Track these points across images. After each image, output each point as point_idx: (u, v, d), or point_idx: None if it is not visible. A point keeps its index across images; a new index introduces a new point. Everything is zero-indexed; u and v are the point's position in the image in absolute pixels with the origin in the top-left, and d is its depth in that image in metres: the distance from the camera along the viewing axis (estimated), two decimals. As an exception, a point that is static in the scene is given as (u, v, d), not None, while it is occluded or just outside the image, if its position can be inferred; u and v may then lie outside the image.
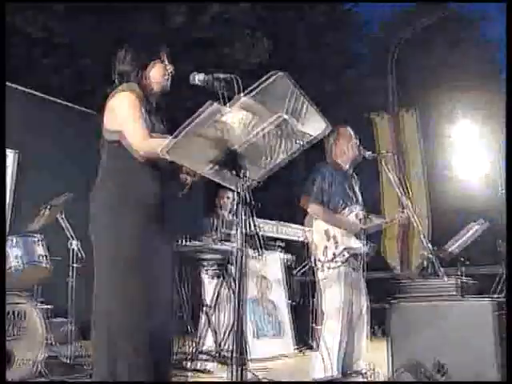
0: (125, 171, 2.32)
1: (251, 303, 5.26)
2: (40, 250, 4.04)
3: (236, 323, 1.87)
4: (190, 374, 4.23)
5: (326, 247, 3.73)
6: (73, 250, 4.57)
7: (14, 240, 3.92)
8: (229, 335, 4.92)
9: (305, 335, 5.83)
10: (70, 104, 7.56)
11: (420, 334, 3.27)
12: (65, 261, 4.59)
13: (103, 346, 2.24)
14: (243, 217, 1.93)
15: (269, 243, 5.60)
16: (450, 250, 4.41)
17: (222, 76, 2.20)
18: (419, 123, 9.08)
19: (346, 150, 3.97)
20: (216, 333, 4.98)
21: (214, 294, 4.94)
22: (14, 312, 3.68)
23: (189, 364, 4.44)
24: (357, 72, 13.28)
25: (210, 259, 5.03)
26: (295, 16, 12.27)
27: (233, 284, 4.82)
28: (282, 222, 5.70)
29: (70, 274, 4.62)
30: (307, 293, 6.05)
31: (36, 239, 4.06)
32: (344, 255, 3.73)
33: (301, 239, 5.23)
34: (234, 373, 1.85)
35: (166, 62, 2.50)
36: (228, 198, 5.88)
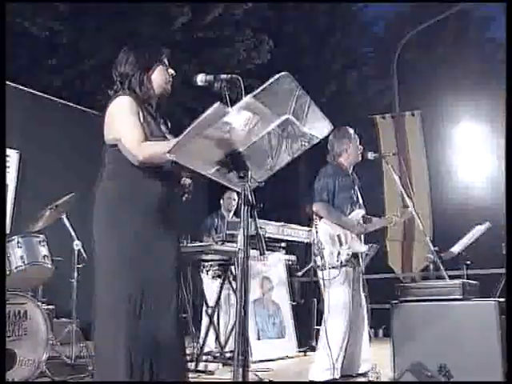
0: (127, 174, 2.33)
1: (254, 304, 5.26)
2: (43, 250, 4.04)
3: (238, 324, 1.87)
4: (192, 374, 4.22)
5: (333, 249, 3.74)
6: (78, 250, 4.57)
7: (18, 240, 3.93)
8: (230, 336, 4.93)
9: (308, 336, 5.82)
10: (72, 104, 7.57)
11: (423, 335, 3.27)
12: (68, 261, 4.60)
13: (104, 345, 2.25)
14: (246, 218, 1.93)
15: (271, 244, 5.59)
16: (451, 249, 4.42)
17: (224, 77, 2.20)
18: (422, 124, 9.06)
19: (348, 150, 3.97)
20: (218, 334, 4.98)
21: (216, 294, 4.95)
22: (17, 312, 3.68)
23: (192, 365, 4.43)
24: (360, 73, 13.26)
25: (213, 260, 5.03)
26: (298, 17, 12.27)
27: (235, 285, 4.82)
28: (284, 223, 5.69)
29: (73, 274, 4.62)
30: (310, 294, 6.05)
31: (39, 240, 4.06)
32: (348, 254, 3.74)
33: (305, 240, 5.22)
34: (237, 374, 1.84)
35: (168, 66, 2.50)
36: (230, 198, 5.89)
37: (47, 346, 3.79)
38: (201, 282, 5.15)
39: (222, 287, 4.96)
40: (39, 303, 3.94)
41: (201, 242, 5.06)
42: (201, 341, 4.79)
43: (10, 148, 6.12)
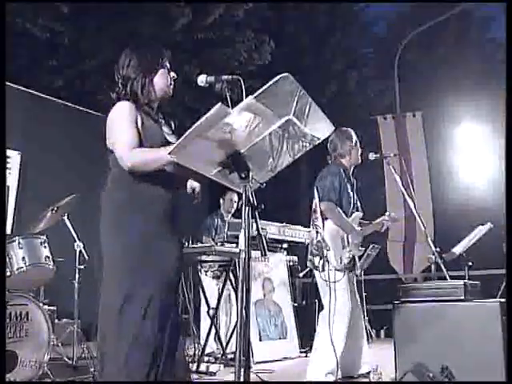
0: (130, 177, 2.33)
1: (255, 305, 5.25)
2: (45, 251, 4.04)
3: (240, 325, 1.87)
4: (193, 375, 4.22)
5: (340, 251, 3.73)
6: (79, 251, 4.57)
7: (19, 241, 3.93)
8: (232, 337, 4.93)
9: (309, 337, 5.81)
10: (73, 105, 7.57)
11: (425, 336, 3.26)
12: (69, 262, 4.60)
13: (108, 345, 2.25)
14: (247, 219, 1.92)
15: (273, 245, 5.59)
16: (452, 250, 4.41)
17: (225, 78, 2.20)
18: (423, 125, 9.06)
19: (351, 152, 3.97)
20: (220, 335, 4.98)
21: (218, 295, 4.94)
22: (18, 313, 3.69)
23: (193, 366, 4.43)
24: (361, 73, 13.25)
25: (213, 261, 5.03)
26: (298, 17, 12.27)
27: (236, 285, 4.82)
28: (285, 224, 5.69)
29: (75, 275, 4.62)
30: (312, 295, 6.04)
31: (41, 241, 4.07)
32: (349, 257, 3.74)
33: (307, 241, 5.21)
34: (238, 375, 1.84)
35: (170, 69, 2.50)
36: (231, 200, 5.89)
37: (49, 347, 3.80)
38: (201, 283, 5.15)
39: (223, 288, 4.95)
40: (41, 304, 3.95)
41: (200, 242, 5.06)
42: (202, 342, 4.78)
43: (11, 149, 6.12)
